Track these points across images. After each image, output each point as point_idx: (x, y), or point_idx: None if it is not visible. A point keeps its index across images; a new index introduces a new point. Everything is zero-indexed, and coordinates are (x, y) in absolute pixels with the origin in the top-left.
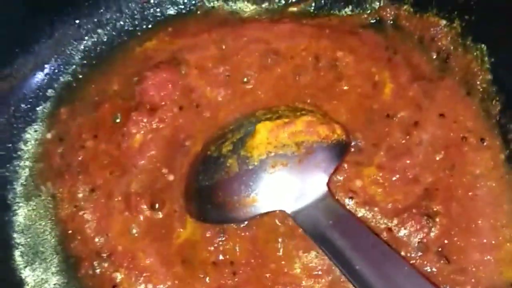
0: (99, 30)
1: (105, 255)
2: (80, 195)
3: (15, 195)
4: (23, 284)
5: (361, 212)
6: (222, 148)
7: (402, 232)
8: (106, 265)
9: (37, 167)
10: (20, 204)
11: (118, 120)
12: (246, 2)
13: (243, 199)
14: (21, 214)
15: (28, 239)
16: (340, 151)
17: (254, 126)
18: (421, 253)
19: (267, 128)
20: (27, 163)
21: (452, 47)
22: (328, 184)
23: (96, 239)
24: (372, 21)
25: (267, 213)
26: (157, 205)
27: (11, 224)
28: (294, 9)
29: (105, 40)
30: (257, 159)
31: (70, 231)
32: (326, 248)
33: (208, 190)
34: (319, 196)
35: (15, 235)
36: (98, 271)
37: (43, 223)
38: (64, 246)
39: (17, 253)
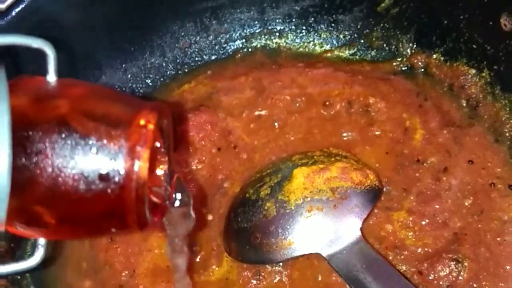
0: (143, 74)
1: None
2: None
3: None
4: None
5: (391, 256)
6: (260, 191)
7: (432, 276)
8: None
9: None
10: None
11: None
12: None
13: (281, 242)
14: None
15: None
16: (373, 196)
17: (291, 171)
18: None
19: (304, 174)
20: None
21: (481, 95)
22: (361, 228)
23: (123, 274)
24: (403, 68)
25: (302, 255)
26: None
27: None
28: (329, 54)
29: (149, 83)
30: (294, 203)
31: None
32: None
33: (247, 231)
34: (353, 240)
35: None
36: None
37: (77, 251)
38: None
39: None
